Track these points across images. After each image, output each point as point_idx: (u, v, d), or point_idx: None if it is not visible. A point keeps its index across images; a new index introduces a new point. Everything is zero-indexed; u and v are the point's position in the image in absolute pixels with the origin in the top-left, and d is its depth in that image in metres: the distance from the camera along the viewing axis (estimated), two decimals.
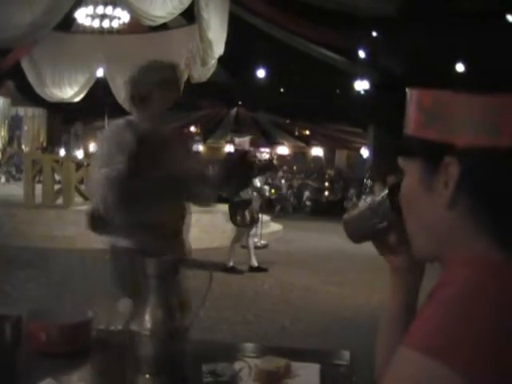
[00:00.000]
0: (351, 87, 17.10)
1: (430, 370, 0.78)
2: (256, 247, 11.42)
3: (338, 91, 18.30)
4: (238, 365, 1.70)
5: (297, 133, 30.28)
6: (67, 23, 14.74)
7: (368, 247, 1.26)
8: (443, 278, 0.90)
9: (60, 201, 12.33)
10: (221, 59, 14.62)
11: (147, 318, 1.63)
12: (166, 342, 1.63)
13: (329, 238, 12.93)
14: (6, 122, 18.20)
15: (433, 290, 0.87)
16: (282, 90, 20.33)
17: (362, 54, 15.19)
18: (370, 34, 13.60)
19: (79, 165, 13.69)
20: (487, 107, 0.87)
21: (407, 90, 0.99)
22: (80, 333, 1.82)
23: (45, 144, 19.29)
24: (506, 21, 11.14)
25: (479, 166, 0.88)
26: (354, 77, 16.72)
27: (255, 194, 11.99)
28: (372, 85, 16.58)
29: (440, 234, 0.94)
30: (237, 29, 14.05)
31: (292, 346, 4.69)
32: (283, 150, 33.48)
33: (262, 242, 11.79)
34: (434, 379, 0.78)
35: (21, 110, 18.88)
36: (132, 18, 13.59)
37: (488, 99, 0.88)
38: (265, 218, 12.97)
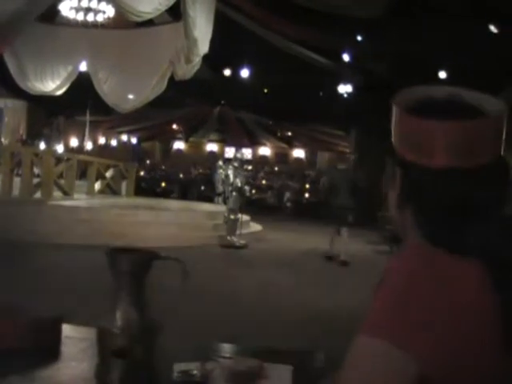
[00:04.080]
0: (335, 90, 17.13)
1: (373, 347, 0.92)
2: (235, 247, 11.44)
3: (321, 93, 18.30)
4: (210, 365, 1.68)
5: (279, 134, 30.32)
6: (51, 15, 14.61)
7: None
8: (391, 262, 1.05)
9: (38, 194, 12.23)
10: (206, 57, 14.57)
11: (119, 314, 1.61)
12: (137, 339, 1.60)
13: (308, 238, 12.95)
14: None
15: (381, 277, 1.01)
16: (265, 90, 20.28)
17: (346, 57, 15.21)
18: (355, 37, 13.62)
19: (59, 159, 13.62)
20: (426, 130, 1.02)
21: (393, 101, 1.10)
22: (49, 329, 1.79)
23: (25, 137, 19.12)
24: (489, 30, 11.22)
25: (417, 180, 1.04)
26: (338, 79, 16.75)
27: (235, 193, 12.01)
28: (355, 88, 16.63)
29: (397, 222, 1.13)
30: (223, 27, 14.01)
31: (267, 346, 4.68)
32: (265, 150, 33.56)
33: (242, 241, 11.77)
34: (376, 356, 0.92)
35: (1, 102, 18.69)
36: (117, 12, 13.50)
37: (431, 124, 1.02)
38: (245, 217, 12.96)
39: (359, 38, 13.85)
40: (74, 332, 1.86)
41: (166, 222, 11.69)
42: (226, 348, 1.94)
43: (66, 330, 1.81)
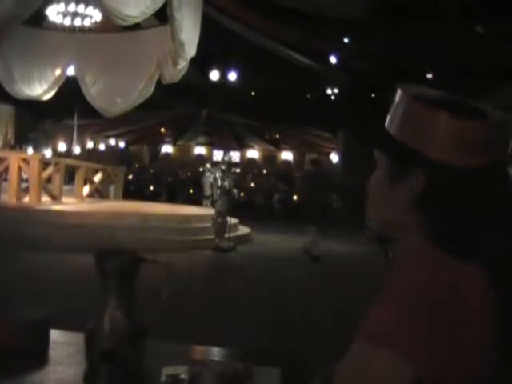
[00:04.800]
0: (322, 92, 17.19)
1: (380, 357, 0.89)
2: (224, 250, 11.45)
3: (308, 95, 18.36)
4: (197, 368, 1.69)
5: (267, 136, 30.34)
6: (38, 19, 14.57)
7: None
8: (397, 269, 1.00)
9: (27, 199, 12.18)
10: (193, 60, 14.58)
11: (106, 318, 1.61)
12: (124, 343, 1.61)
13: (295, 239, 12.98)
14: None
15: (384, 284, 0.97)
16: (253, 93, 20.32)
17: (333, 59, 15.28)
18: (341, 39, 13.70)
19: (47, 163, 13.58)
20: (463, 130, 0.97)
21: (399, 89, 1.05)
22: (36, 331, 1.79)
23: (13, 142, 19.03)
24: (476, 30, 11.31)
25: (443, 180, 0.98)
26: (325, 81, 16.81)
27: (223, 196, 12.02)
28: (342, 89, 16.69)
29: (392, 223, 1.06)
30: (210, 30, 14.02)
31: (255, 348, 4.72)
32: (253, 153, 33.58)
33: (230, 244, 11.78)
34: (383, 366, 0.89)
35: None
36: (104, 16, 13.50)
37: (465, 124, 0.97)
38: (233, 220, 12.97)
39: (345, 40, 13.93)
40: (62, 337, 1.86)
41: (154, 226, 11.67)
42: (214, 351, 1.95)
43: (54, 334, 1.81)
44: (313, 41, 14.01)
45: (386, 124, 1.06)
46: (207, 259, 10.60)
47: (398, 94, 1.05)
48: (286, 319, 6.30)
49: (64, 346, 1.80)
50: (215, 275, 9.10)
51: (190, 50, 13.82)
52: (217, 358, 1.84)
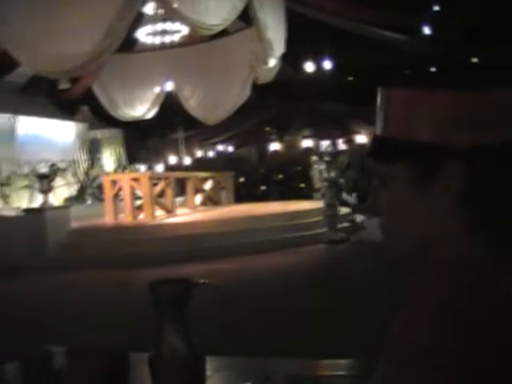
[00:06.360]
0: (420, 67, 16.67)
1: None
2: (336, 242, 11.37)
3: (406, 72, 17.86)
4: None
5: (372, 119, 29.77)
6: (130, 44, 15.14)
7: None
8: (421, 283, 0.85)
9: (142, 216, 12.65)
10: (284, 56, 14.63)
11: (164, 345, 1.65)
12: (183, 368, 1.64)
13: None
14: (86, 145, 18.89)
15: (410, 296, 0.83)
16: (350, 78, 20.06)
17: (426, 30, 14.78)
18: (431, 9, 13.22)
19: (159, 178, 14.06)
20: (481, 104, 0.84)
21: (381, 89, 0.94)
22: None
23: (124, 162, 19.87)
24: None
25: (484, 166, 0.84)
26: (421, 56, 16.28)
27: (330, 188, 11.92)
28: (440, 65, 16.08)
29: (427, 235, 0.89)
30: (296, 24, 13.99)
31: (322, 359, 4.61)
32: (361, 138, 33.08)
33: (342, 235, 11.68)
34: None
35: (98, 133, 19.54)
36: (191, 29, 13.79)
37: (479, 96, 0.85)
38: (345, 210, 12.88)
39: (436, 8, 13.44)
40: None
41: (264, 227, 11.77)
42: (282, 364, 1.93)
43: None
44: (403, 16, 13.63)
45: (381, 131, 0.94)
46: (319, 253, 10.56)
47: (385, 94, 0.93)
48: None
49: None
50: (325, 269, 9.04)
51: (279, 47, 13.87)
52: (285, 372, 1.82)
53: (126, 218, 12.50)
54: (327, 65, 18.98)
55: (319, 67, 18.98)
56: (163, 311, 1.68)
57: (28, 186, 15.65)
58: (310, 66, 19.10)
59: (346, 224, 12.76)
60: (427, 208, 0.88)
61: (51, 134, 17.22)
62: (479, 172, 0.83)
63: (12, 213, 12.36)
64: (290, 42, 14.11)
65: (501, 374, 0.75)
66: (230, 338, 4.97)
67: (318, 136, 32.41)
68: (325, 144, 30.43)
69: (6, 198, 14.78)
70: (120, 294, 7.61)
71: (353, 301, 6.45)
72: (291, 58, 16.23)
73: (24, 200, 15.51)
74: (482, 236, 0.85)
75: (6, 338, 5.00)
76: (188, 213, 14.44)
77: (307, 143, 33.70)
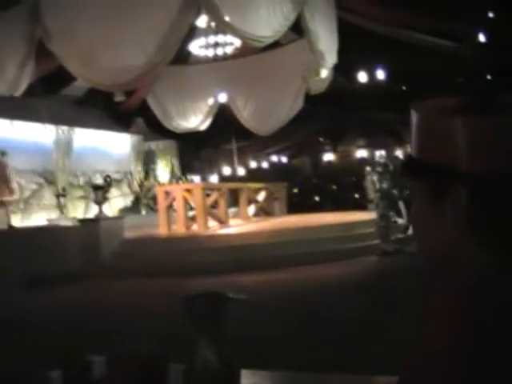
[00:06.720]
0: (475, 74, 16.35)
1: None
2: (390, 253, 11.22)
3: (461, 79, 17.55)
4: None
5: None
6: (183, 56, 15.37)
7: None
8: (434, 298, 0.89)
9: (195, 227, 12.77)
10: (337, 66, 14.57)
11: (197, 358, 1.66)
12: (216, 382, 1.65)
13: None
14: (141, 157, 19.24)
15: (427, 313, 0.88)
16: (403, 87, 19.83)
17: (481, 37, 14.48)
18: (486, 15, 12.95)
19: (211, 189, 14.17)
20: (491, 131, 0.86)
21: (412, 111, 0.98)
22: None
23: (178, 173, 20.12)
24: None
25: (487, 191, 0.86)
26: (477, 63, 15.95)
27: (383, 199, 11.77)
28: (493, 69, 15.74)
29: (442, 253, 0.93)
30: (348, 34, 13.92)
31: None
32: None
33: (396, 247, 11.51)
34: None
35: (153, 145, 19.88)
36: (243, 41, 13.90)
37: (491, 122, 0.87)
38: (400, 221, 12.68)
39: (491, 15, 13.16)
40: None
41: (316, 238, 11.71)
42: (320, 380, 1.91)
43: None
44: (457, 23, 13.40)
45: (411, 150, 0.98)
46: (371, 264, 10.43)
47: (412, 113, 0.97)
48: None
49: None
50: (377, 281, 8.90)
51: (331, 58, 13.82)
52: None
53: (179, 228, 12.64)
54: (380, 74, 18.82)
55: (372, 76, 18.83)
56: (196, 324, 1.69)
57: (83, 197, 16.05)
58: (362, 76, 18.97)
59: (400, 235, 12.55)
60: (439, 223, 0.92)
61: (107, 146, 17.62)
62: (485, 197, 0.86)
63: (68, 223, 12.66)
64: (343, 51, 14.03)
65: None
66: (276, 350, 4.96)
67: (372, 146, 32.12)
68: (379, 154, 30.13)
69: (62, 208, 15.15)
70: (170, 303, 7.67)
71: (402, 313, 6.35)
72: (344, 68, 16.14)
73: (80, 210, 15.89)
74: (489, 253, 0.86)
75: (54, 344, 5.12)
76: (241, 223, 14.49)
77: (361, 153, 33.44)
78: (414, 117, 0.97)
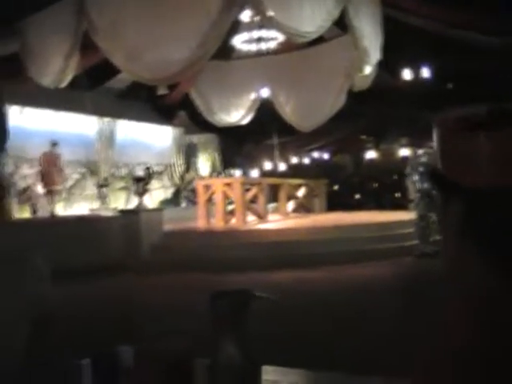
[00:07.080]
0: None
1: None
2: (428, 255, 11.07)
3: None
4: None
5: None
6: (227, 51, 15.40)
7: None
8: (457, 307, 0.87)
9: (234, 221, 12.80)
10: (381, 63, 14.41)
11: (221, 355, 1.67)
12: (238, 377, 1.66)
13: None
14: (182, 150, 19.39)
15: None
16: (450, 85, 19.48)
17: None
18: None
19: (251, 184, 14.17)
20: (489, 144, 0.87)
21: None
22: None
23: (219, 167, 20.23)
24: None
25: (481, 205, 0.86)
26: None
27: (423, 198, 11.62)
28: None
29: (450, 259, 0.93)
30: (393, 30, 13.74)
31: None
32: None
33: (435, 248, 11.33)
34: None
35: (194, 138, 20.02)
36: (287, 36, 13.86)
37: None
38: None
39: None
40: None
41: (353, 237, 11.62)
42: (340, 380, 1.90)
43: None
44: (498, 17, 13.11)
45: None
46: (408, 265, 10.30)
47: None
48: None
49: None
50: (411, 283, 8.79)
51: (375, 55, 13.66)
52: None
53: (217, 222, 12.70)
54: (425, 72, 18.58)
55: (417, 74, 18.58)
56: (221, 321, 1.70)
57: (125, 188, 16.26)
58: (407, 74, 18.74)
59: (439, 237, 12.37)
60: (449, 232, 0.91)
61: (149, 138, 17.81)
62: (475, 210, 0.85)
63: (109, 213, 12.83)
64: (387, 48, 13.87)
65: None
66: (301, 347, 4.94)
67: (416, 145, 31.70)
68: (421, 153, 29.68)
69: (103, 198, 15.38)
70: (203, 299, 7.71)
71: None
72: (388, 65, 15.96)
73: (121, 201, 16.11)
74: (494, 265, 0.84)
75: (86, 336, 5.20)
76: (279, 219, 14.49)
77: (404, 152, 33.04)
78: (435, 131, 0.99)
